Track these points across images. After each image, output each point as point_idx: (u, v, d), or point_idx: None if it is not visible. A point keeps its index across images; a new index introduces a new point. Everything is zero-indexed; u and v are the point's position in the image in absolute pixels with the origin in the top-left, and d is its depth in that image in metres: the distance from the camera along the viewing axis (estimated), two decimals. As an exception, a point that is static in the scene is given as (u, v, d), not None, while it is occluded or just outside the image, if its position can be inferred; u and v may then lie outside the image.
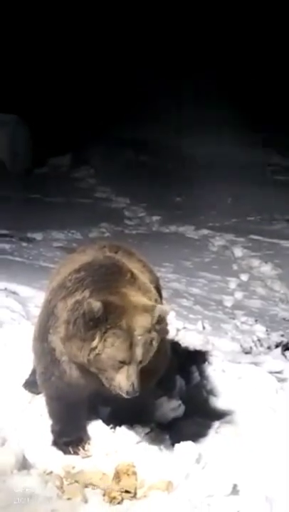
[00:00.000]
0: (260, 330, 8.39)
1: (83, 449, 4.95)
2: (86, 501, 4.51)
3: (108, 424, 5.10)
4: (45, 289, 5.58)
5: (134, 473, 4.69)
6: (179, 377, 5.97)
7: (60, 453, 4.93)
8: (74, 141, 19.17)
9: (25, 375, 5.62)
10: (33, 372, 5.35)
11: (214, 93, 21.79)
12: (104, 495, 4.57)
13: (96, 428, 5.06)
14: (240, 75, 22.73)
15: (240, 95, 22.27)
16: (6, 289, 8.32)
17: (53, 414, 5.05)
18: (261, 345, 7.96)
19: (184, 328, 7.72)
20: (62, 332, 4.67)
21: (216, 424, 5.52)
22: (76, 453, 4.92)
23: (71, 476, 4.71)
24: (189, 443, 4.89)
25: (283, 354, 7.59)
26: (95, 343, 4.45)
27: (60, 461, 4.85)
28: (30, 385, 5.51)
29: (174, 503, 4.45)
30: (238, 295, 9.85)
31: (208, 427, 5.45)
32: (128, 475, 4.65)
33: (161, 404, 5.44)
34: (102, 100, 21.64)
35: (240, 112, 20.96)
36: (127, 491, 4.57)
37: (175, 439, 5.00)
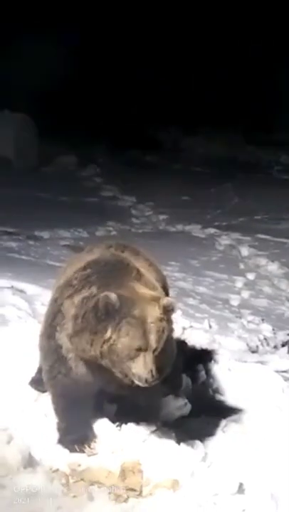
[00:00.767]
0: (266, 329, 8.39)
1: (89, 446, 4.94)
2: (92, 499, 4.50)
3: (114, 422, 5.10)
4: (51, 287, 5.59)
5: (140, 471, 4.68)
6: (185, 375, 5.98)
7: (66, 451, 4.93)
8: (81, 140, 19.18)
9: (32, 373, 5.63)
10: (39, 370, 5.36)
11: (220, 92, 21.82)
12: (109, 493, 4.57)
13: (102, 426, 5.06)
14: (248, 72, 22.68)
15: (248, 94, 22.26)
16: (12, 287, 8.33)
17: (58, 411, 5.05)
18: (268, 344, 7.96)
19: (191, 326, 7.74)
20: (69, 328, 4.68)
21: (222, 422, 5.52)
22: (82, 451, 4.91)
23: (77, 474, 4.71)
24: (195, 441, 4.91)
25: (290, 353, 7.59)
26: (108, 335, 4.47)
27: (65, 459, 4.85)
28: (36, 382, 5.51)
29: (179, 502, 4.45)
30: (245, 294, 9.84)
31: (214, 425, 5.44)
32: (134, 473, 4.65)
33: (168, 403, 5.44)
34: (109, 99, 21.63)
35: (248, 111, 21.00)
36: (132, 489, 4.57)
37: (181, 438, 5.00)
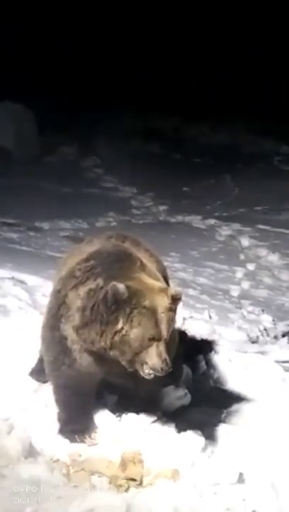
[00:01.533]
0: (266, 319, 8.40)
1: (90, 437, 4.97)
2: (92, 489, 4.53)
3: (114, 413, 5.12)
4: (52, 278, 5.60)
5: (141, 461, 4.70)
6: (186, 366, 5.98)
7: (67, 441, 4.95)
8: (81, 130, 19.15)
9: (32, 363, 5.64)
10: (40, 360, 5.37)
11: (222, 82, 21.77)
12: (110, 483, 4.59)
13: (102, 416, 5.08)
14: (249, 63, 22.62)
15: (249, 85, 22.20)
16: (13, 278, 8.33)
17: (60, 402, 5.07)
18: (268, 335, 7.97)
19: (191, 317, 7.75)
20: (76, 320, 4.69)
21: (223, 412, 5.54)
22: (82, 441, 4.93)
23: (77, 464, 4.73)
24: (195, 432, 4.92)
25: (290, 343, 7.60)
26: (119, 325, 4.49)
27: (66, 449, 4.87)
28: (37, 373, 5.53)
29: (179, 491, 4.47)
30: (245, 285, 9.84)
31: (215, 415, 5.46)
32: (134, 463, 4.67)
33: (168, 393, 5.46)
34: (109, 88, 21.58)
35: (248, 101, 20.94)
36: (133, 479, 4.59)
37: (181, 428, 5.02)
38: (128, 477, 4.60)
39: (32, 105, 18.18)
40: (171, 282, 5.90)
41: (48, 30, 21.60)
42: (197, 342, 6.89)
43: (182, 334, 6.49)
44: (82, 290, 4.68)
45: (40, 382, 5.49)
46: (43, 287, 7.78)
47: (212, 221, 13.33)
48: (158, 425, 5.04)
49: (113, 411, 5.13)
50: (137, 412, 5.06)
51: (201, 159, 19.29)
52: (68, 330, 4.77)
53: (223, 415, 5.50)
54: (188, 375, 5.94)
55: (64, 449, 4.88)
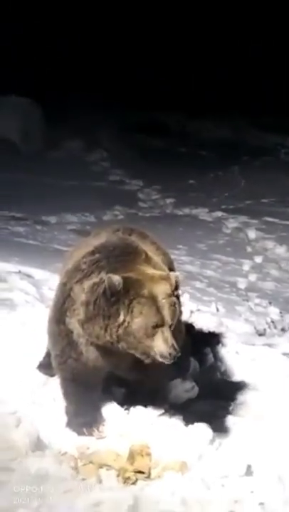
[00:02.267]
0: (273, 312, 8.39)
1: (97, 430, 4.97)
2: (100, 482, 4.53)
3: (122, 406, 5.12)
4: (58, 272, 5.60)
5: (148, 453, 4.70)
6: (193, 358, 5.99)
7: (75, 434, 4.96)
8: (87, 124, 19.13)
9: (40, 357, 5.65)
10: (47, 354, 5.38)
11: (226, 77, 21.72)
12: (118, 475, 4.59)
13: (110, 409, 5.08)
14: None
15: (252, 79, 22.15)
16: (20, 271, 8.34)
17: (67, 395, 5.07)
18: (275, 327, 7.96)
19: (198, 310, 7.75)
20: (81, 314, 4.69)
21: (230, 405, 5.54)
22: (90, 434, 4.94)
23: (85, 457, 4.73)
24: (203, 424, 4.92)
25: (297, 336, 7.60)
26: (121, 318, 4.49)
27: (74, 442, 4.88)
28: (45, 367, 5.54)
29: (187, 484, 4.48)
30: (252, 277, 9.83)
31: (222, 408, 5.46)
32: (142, 456, 4.67)
33: (176, 386, 5.46)
34: (116, 81, 21.55)
35: (253, 95, 20.90)
36: (141, 472, 4.59)
37: (189, 420, 5.02)
38: (136, 470, 4.60)
39: (38, 99, 18.19)
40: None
41: (54, 26, 21.56)
42: (204, 335, 6.89)
43: (189, 327, 6.50)
44: (87, 284, 4.68)
45: (47, 376, 5.50)
46: (50, 281, 7.79)
47: (219, 214, 13.31)
48: (166, 418, 5.04)
49: (121, 404, 5.13)
50: (145, 405, 5.06)
51: (207, 152, 19.26)
52: (74, 324, 4.78)
53: (230, 408, 5.50)
54: (196, 368, 5.95)
55: (72, 442, 4.89)
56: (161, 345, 4.48)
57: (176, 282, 4.63)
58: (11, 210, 12.38)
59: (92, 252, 4.87)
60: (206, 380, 5.85)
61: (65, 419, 5.05)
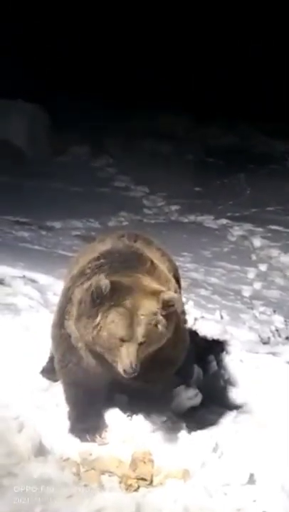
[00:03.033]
0: (278, 320, 8.37)
1: (100, 436, 4.97)
2: (102, 488, 4.53)
3: (125, 412, 5.11)
4: (63, 277, 5.60)
5: (151, 460, 4.70)
6: (197, 366, 5.97)
7: (77, 440, 4.95)
8: (94, 130, 19.16)
9: (43, 362, 5.65)
10: (51, 359, 5.38)
11: (232, 84, 21.74)
12: (120, 482, 4.59)
13: (113, 416, 5.08)
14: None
15: (258, 85, 22.16)
16: (24, 276, 8.34)
17: (70, 401, 5.07)
18: (279, 336, 7.94)
19: (202, 317, 7.74)
20: (74, 314, 4.70)
21: (233, 413, 5.52)
22: (93, 440, 4.93)
23: (88, 463, 4.73)
24: (206, 432, 4.92)
25: (301, 345, 7.57)
26: (97, 320, 4.47)
27: (77, 448, 4.87)
28: (48, 372, 5.54)
29: (190, 491, 4.47)
30: (257, 285, 9.82)
31: (225, 416, 5.45)
32: (144, 462, 4.67)
33: (179, 393, 5.45)
34: (122, 89, 21.59)
35: (261, 102, 20.89)
36: (143, 479, 4.59)
37: (192, 428, 5.02)
38: (138, 477, 4.60)
39: (45, 105, 18.22)
40: (182, 282, 5.90)
41: (59, 29, 21.62)
42: (208, 342, 6.88)
43: (193, 334, 6.49)
44: (86, 285, 4.68)
45: (50, 381, 5.50)
46: (55, 286, 7.79)
47: (224, 221, 13.32)
48: (168, 425, 5.04)
49: (124, 410, 5.12)
50: (148, 412, 5.05)
51: (213, 159, 19.27)
52: (71, 326, 4.78)
53: (233, 416, 5.48)
54: (199, 376, 5.94)
55: (74, 447, 4.88)
56: (122, 360, 4.42)
57: (169, 302, 4.53)
58: (16, 215, 12.39)
59: (98, 258, 4.87)
60: (210, 387, 5.84)
61: (67, 424, 5.05)
